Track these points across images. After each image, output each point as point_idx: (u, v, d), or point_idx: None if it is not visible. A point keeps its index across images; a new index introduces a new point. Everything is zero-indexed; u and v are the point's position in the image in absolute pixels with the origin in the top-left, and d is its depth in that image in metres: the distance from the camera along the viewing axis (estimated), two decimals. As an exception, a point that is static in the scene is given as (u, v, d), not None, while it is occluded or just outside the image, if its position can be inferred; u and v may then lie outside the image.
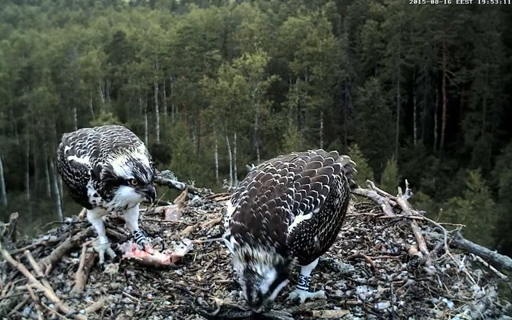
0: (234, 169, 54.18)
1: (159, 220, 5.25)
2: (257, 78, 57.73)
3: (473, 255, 4.35)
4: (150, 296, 3.90)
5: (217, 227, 4.91)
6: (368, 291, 3.93)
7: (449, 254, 4.24)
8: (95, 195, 4.05)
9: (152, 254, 4.31)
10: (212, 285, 4.09)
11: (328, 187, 3.56)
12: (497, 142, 51.32)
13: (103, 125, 4.72)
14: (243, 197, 3.52)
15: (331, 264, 4.25)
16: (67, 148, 4.24)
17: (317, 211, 3.48)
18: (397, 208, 5.23)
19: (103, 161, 4.00)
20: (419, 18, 57.24)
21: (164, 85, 69.29)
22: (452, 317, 3.53)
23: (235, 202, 3.54)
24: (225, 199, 5.61)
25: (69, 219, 5.00)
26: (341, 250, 4.60)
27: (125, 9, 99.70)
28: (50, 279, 4.00)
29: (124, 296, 3.85)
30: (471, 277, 4.01)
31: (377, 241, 4.70)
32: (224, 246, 4.47)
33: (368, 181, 5.84)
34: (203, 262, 4.45)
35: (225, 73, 57.30)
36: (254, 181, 3.60)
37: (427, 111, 56.72)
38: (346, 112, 59.72)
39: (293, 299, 3.77)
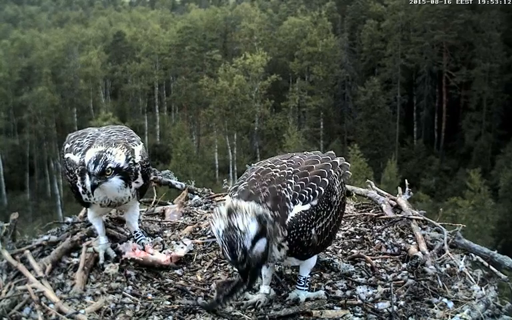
0: (234, 169, 54.18)
1: (159, 220, 5.25)
2: (257, 78, 57.73)
3: (472, 255, 4.35)
4: (150, 296, 3.91)
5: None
6: (368, 290, 3.93)
7: (449, 254, 4.24)
8: (82, 192, 4.10)
9: (152, 254, 4.31)
10: (212, 285, 4.09)
11: (326, 181, 3.62)
12: (497, 142, 51.31)
13: (104, 125, 4.74)
14: (242, 188, 3.54)
15: (330, 264, 4.25)
16: (66, 146, 4.30)
17: (314, 203, 3.52)
18: (397, 208, 5.23)
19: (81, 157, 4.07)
20: (419, 18, 57.23)
21: (164, 85, 69.27)
22: (452, 317, 3.53)
23: (233, 194, 3.55)
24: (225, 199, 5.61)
25: (69, 219, 5.00)
26: (340, 250, 4.60)
27: (125, 9, 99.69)
28: (50, 279, 4.00)
29: (124, 296, 3.85)
30: (470, 277, 4.01)
31: (377, 241, 4.70)
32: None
33: (368, 180, 5.85)
34: (202, 262, 4.45)
35: (225, 72, 57.30)
36: (253, 174, 3.64)
37: (427, 110, 56.72)
38: (346, 112, 59.72)
39: (293, 299, 3.76)
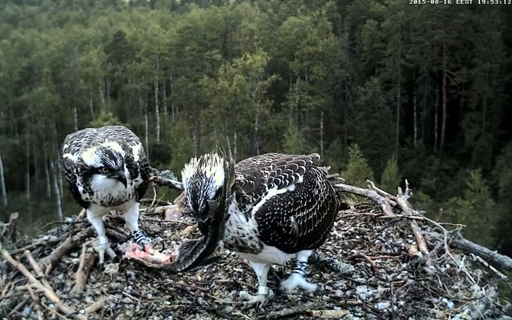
0: (234, 169, 54.06)
1: (159, 220, 5.25)
2: (257, 78, 57.73)
3: (472, 255, 4.35)
4: (150, 296, 3.91)
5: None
6: (368, 290, 3.93)
7: (449, 254, 4.24)
8: (83, 191, 4.07)
9: (152, 254, 4.31)
10: (212, 285, 4.10)
11: (304, 168, 3.61)
12: (497, 142, 51.31)
13: (104, 125, 4.75)
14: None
15: (330, 264, 4.25)
16: (65, 146, 4.29)
17: (291, 188, 3.49)
18: (397, 208, 5.23)
19: (78, 156, 4.05)
20: (419, 18, 57.22)
21: (164, 85, 69.28)
22: (452, 317, 3.53)
23: None
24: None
25: (69, 219, 5.00)
26: (340, 250, 4.61)
27: (125, 8, 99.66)
28: (50, 279, 4.00)
29: (124, 296, 3.86)
30: (471, 277, 4.01)
31: (377, 241, 4.70)
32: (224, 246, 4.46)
33: (368, 180, 5.85)
34: (202, 262, 4.44)
35: (225, 72, 57.31)
36: (236, 165, 3.65)
37: (427, 110, 56.70)
38: (346, 112, 59.70)
39: (287, 282, 3.72)
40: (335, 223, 5.10)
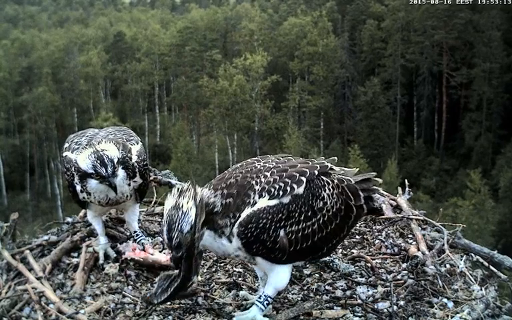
0: (234, 169, 54.09)
1: (159, 220, 5.25)
2: (257, 78, 57.73)
3: (472, 254, 4.35)
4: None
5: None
6: (368, 290, 3.93)
7: (449, 254, 4.24)
8: (80, 191, 4.09)
9: (152, 254, 4.31)
10: (212, 285, 4.09)
11: (304, 179, 3.38)
12: (497, 142, 51.31)
13: (105, 126, 4.76)
14: (223, 174, 3.54)
15: (331, 264, 4.25)
16: (66, 145, 4.31)
17: (285, 200, 3.29)
18: (397, 208, 5.23)
19: (74, 157, 4.07)
20: (419, 18, 57.23)
21: (164, 85, 69.29)
22: (452, 317, 3.53)
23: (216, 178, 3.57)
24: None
25: (69, 219, 5.00)
26: (340, 250, 4.60)
27: (125, 9, 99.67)
28: (50, 279, 4.00)
29: (124, 296, 3.86)
30: (471, 277, 4.00)
31: (377, 241, 4.70)
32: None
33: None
34: (202, 262, 4.44)
35: (225, 72, 57.31)
36: (238, 164, 3.63)
37: (427, 110, 56.72)
38: (346, 112, 59.71)
39: (243, 315, 3.53)
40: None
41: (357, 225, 5.09)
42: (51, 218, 29.87)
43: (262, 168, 3.44)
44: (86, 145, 4.11)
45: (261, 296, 3.53)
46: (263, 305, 3.48)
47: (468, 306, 3.61)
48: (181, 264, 3.15)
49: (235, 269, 4.31)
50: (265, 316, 3.50)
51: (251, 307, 3.61)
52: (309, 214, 3.35)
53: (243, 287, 4.07)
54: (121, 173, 4.03)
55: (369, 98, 55.43)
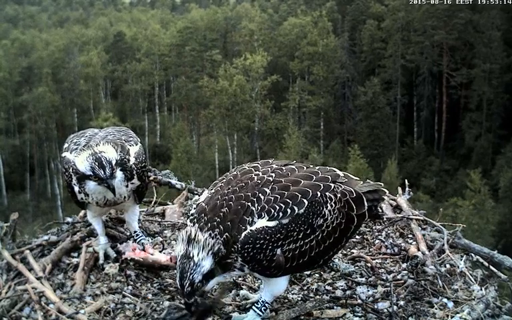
0: (234, 169, 54.05)
1: (159, 220, 5.25)
2: (257, 78, 57.72)
3: (472, 254, 4.35)
4: (150, 296, 3.90)
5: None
6: (368, 291, 3.93)
7: (449, 254, 4.24)
8: (79, 192, 4.09)
9: (152, 254, 4.31)
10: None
11: (305, 202, 3.29)
12: (497, 142, 51.31)
13: (105, 126, 4.76)
14: (218, 185, 3.46)
15: (331, 264, 4.25)
16: (65, 145, 4.30)
17: (285, 221, 3.24)
18: (397, 208, 5.23)
19: (72, 159, 4.07)
20: (419, 18, 57.22)
21: (164, 85, 69.29)
22: (452, 317, 3.53)
23: (211, 189, 3.50)
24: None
25: (69, 219, 5.00)
26: (340, 250, 4.60)
27: (126, 9, 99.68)
28: (50, 279, 4.00)
29: (124, 296, 3.85)
30: (471, 277, 4.00)
31: (377, 241, 4.70)
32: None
33: (368, 181, 5.83)
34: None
35: (225, 73, 57.30)
36: (234, 172, 3.53)
37: (427, 111, 56.71)
38: (346, 112, 59.71)
39: (237, 317, 3.61)
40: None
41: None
42: (51, 218, 29.86)
43: (260, 181, 3.34)
44: (84, 146, 4.11)
45: (258, 301, 3.54)
46: (260, 310, 3.50)
47: (468, 306, 3.61)
48: (193, 310, 3.22)
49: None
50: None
51: (250, 307, 3.61)
52: (308, 232, 3.32)
53: (243, 286, 4.07)
54: (119, 174, 4.03)
55: (369, 98, 55.43)
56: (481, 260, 4.26)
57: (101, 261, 4.25)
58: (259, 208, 3.23)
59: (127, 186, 4.15)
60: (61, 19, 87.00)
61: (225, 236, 3.19)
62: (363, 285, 4.01)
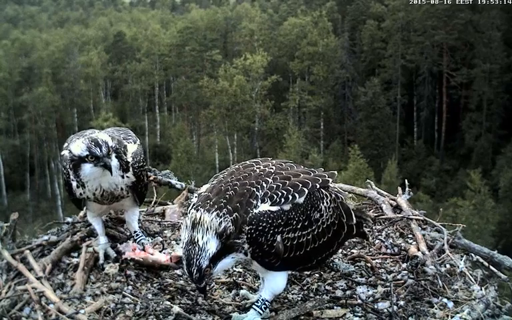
0: (234, 169, 54.03)
1: (159, 220, 5.25)
2: (257, 78, 57.74)
3: (473, 255, 4.35)
4: (150, 296, 3.90)
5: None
6: (368, 291, 3.93)
7: (449, 254, 4.24)
8: (76, 186, 4.08)
9: (152, 254, 4.31)
10: (212, 285, 4.09)
11: (306, 191, 3.42)
12: (498, 142, 51.32)
13: (105, 126, 4.77)
14: (220, 177, 3.52)
15: (331, 264, 4.25)
16: (65, 144, 4.30)
17: (286, 208, 3.34)
18: (397, 208, 5.23)
19: (68, 148, 4.07)
20: (420, 18, 57.23)
21: (164, 85, 69.31)
22: (452, 317, 3.53)
23: (212, 180, 3.53)
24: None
25: (69, 219, 4.99)
26: (340, 250, 4.60)
27: (126, 9, 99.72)
28: (50, 279, 4.00)
29: (124, 296, 3.85)
30: (470, 277, 4.00)
31: (377, 241, 4.70)
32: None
33: (368, 180, 5.84)
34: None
35: (226, 73, 57.32)
36: (236, 166, 3.61)
37: (428, 111, 56.72)
38: (346, 112, 59.71)
39: (236, 317, 3.58)
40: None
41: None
42: (51, 218, 29.85)
43: (262, 173, 3.45)
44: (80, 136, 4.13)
45: (258, 300, 3.56)
46: (260, 308, 3.52)
47: (468, 306, 3.61)
48: (207, 291, 3.27)
49: (235, 269, 4.30)
50: (262, 319, 3.51)
51: (250, 306, 3.61)
52: (306, 223, 3.42)
53: (243, 286, 4.07)
54: (114, 160, 4.02)
55: (369, 98, 55.42)
56: (481, 260, 4.26)
57: (100, 261, 4.25)
58: (262, 193, 3.33)
59: (122, 176, 4.12)
60: (61, 19, 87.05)
61: (234, 215, 3.23)
62: (363, 284, 4.01)
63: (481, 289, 3.82)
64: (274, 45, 65.30)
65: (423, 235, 4.57)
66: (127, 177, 4.18)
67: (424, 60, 57.05)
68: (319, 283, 4.06)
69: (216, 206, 3.25)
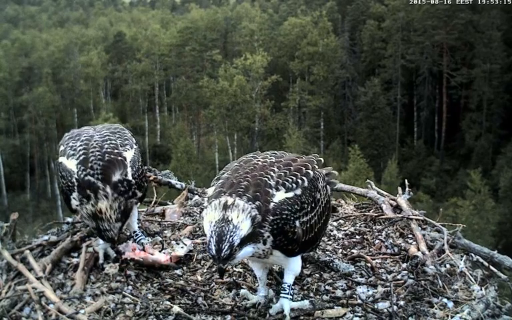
0: (234, 169, 54.06)
1: (159, 220, 5.25)
2: (257, 78, 57.75)
3: (473, 255, 4.35)
4: (150, 296, 3.90)
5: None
6: (368, 290, 3.92)
7: (449, 254, 4.24)
8: (77, 205, 4.07)
9: (152, 254, 4.31)
10: (212, 285, 4.09)
11: (310, 172, 3.57)
12: (498, 142, 51.34)
13: (102, 124, 4.74)
14: (226, 176, 3.51)
15: (330, 264, 4.25)
16: (61, 148, 4.27)
17: (298, 192, 3.43)
18: (397, 208, 5.23)
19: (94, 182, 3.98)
20: (420, 18, 57.25)
21: (164, 85, 69.31)
22: (452, 317, 3.53)
23: (216, 183, 3.52)
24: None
25: (69, 219, 4.99)
26: (340, 250, 4.60)
27: (126, 9, 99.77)
28: (50, 279, 3.99)
29: (124, 296, 3.85)
30: (471, 277, 4.00)
31: (377, 241, 4.70)
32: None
33: (368, 180, 5.85)
34: (202, 262, 4.44)
35: (226, 73, 57.33)
36: (236, 164, 3.63)
37: (428, 111, 56.73)
38: (346, 112, 59.74)
39: (276, 311, 3.62)
40: (335, 223, 5.11)
41: (357, 224, 5.10)
42: (51, 218, 29.79)
43: (265, 164, 3.53)
44: (84, 156, 4.05)
45: (284, 288, 3.65)
46: (289, 294, 3.64)
47: (468, 306, 3.61)
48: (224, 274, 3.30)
49: (234, 268, 4.30)
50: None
51: (277, 301, 3.67)
52: (313, 205, 3.54)
53: (243, 286, 4.07)
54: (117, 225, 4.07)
55: (369, 98, 55.44)
56: (481, 260, 4.26)
57: (100, 261, 4.24)
58: (275, 182, 3.40)
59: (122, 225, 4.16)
60: (61, 19, 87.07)
61: (257, 203, 3.25)
62: (363, 285, 4.00)
63: (481, 289, 3.82)
64: (274, 45, 65.31)
65: (423, 235, 4.57)
66: (136, 198, 4.24)
67: (424, 60, 57.07)
68: (319, 283, 4.06)
69: (235, 189, 3.29)
